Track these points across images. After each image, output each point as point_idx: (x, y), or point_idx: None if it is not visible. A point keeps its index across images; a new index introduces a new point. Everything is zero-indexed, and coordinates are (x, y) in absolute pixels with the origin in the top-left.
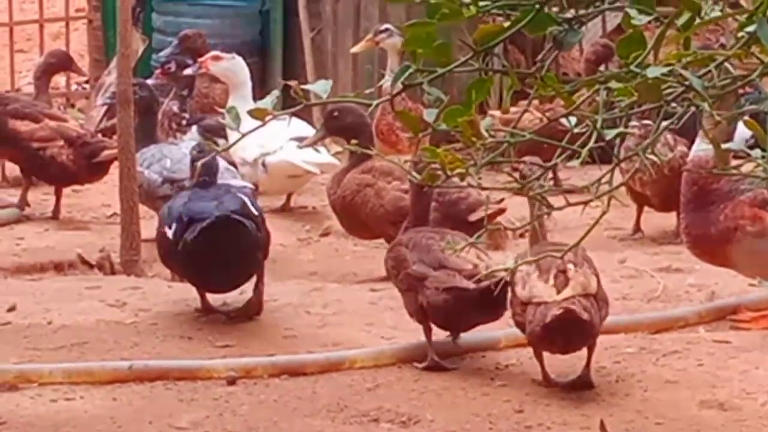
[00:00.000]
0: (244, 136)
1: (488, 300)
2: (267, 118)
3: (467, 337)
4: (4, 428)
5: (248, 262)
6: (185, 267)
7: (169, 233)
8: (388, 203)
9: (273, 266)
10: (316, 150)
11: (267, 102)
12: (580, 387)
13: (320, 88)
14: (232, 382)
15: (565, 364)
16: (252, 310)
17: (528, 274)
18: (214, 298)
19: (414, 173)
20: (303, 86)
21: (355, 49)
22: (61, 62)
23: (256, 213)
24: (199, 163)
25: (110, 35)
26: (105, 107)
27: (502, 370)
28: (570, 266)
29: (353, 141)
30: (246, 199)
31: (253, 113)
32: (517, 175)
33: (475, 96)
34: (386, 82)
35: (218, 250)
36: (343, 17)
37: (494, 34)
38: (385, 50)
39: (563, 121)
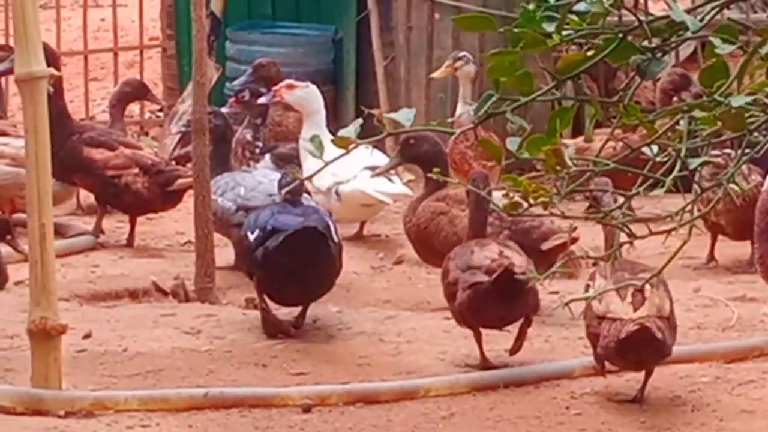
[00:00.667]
0: (327, 164)
1: (504, 292)
2: (350, 146)
3: (541, 366)
4: None
5: (324, 279)
6: (263, 275)
7: (251, 237)
8: (461, 231)
9: (347, 294)
10: (389, 179)
11: (350, 130)
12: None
13: (403, 116)
14: (307, 409)
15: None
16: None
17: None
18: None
19: (496, 203)
20: (386, 114)
21: (435, 75)
22: (137, 91)
23: (335, 239)
24: (284, 190)
25: (184, 63)
26: (179, 135)
27: (576, 399)
28: (647, 287)
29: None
30: (330, 222)
31: (337, 141)
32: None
33: (559, 124)
34: (460, 110)
35: (298, 261)
36: (416, 45)
37: (577, 63)
38: (457, 78)
39: (645, 149)
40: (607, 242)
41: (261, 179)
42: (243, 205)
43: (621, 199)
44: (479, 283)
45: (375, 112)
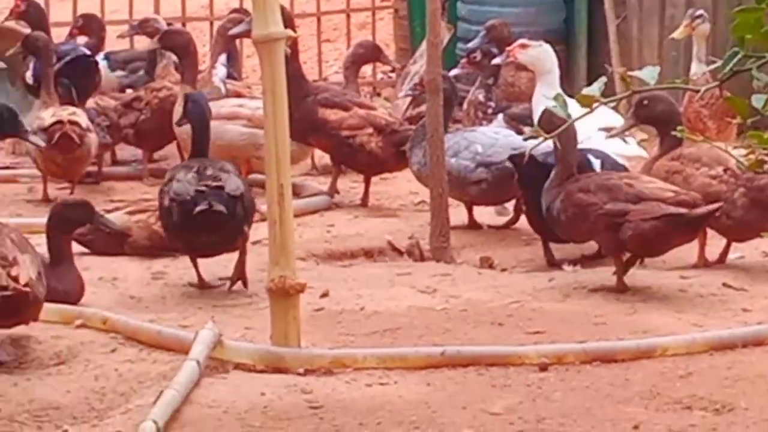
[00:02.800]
0: (571, 122)
1: (695, 224)
2: (594, 105)
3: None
4: (321, 412)
5: None
6: None
7: None
8: (696, 189)
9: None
10: (624, 140)
11: (594, 89)
12: None
13: (648, 74)
14: (544, 368)
15: None
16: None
17: None
18: None
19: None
20: (630, 73)
21: (674, 35)
22: (370, 52)
23: None
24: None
25: (416, 25)
26: (411, 95)
27: None
28: None
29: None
30: None
31: (580, 100)
32: None
33: None
34: (695, 69)
35: None
36: (648, 4)
37: None
38: (689, 37)
39: None
40: None
41: (494, 135)
42: (483, 161)
43: None
44: (676, 215)
45: (620, 70)
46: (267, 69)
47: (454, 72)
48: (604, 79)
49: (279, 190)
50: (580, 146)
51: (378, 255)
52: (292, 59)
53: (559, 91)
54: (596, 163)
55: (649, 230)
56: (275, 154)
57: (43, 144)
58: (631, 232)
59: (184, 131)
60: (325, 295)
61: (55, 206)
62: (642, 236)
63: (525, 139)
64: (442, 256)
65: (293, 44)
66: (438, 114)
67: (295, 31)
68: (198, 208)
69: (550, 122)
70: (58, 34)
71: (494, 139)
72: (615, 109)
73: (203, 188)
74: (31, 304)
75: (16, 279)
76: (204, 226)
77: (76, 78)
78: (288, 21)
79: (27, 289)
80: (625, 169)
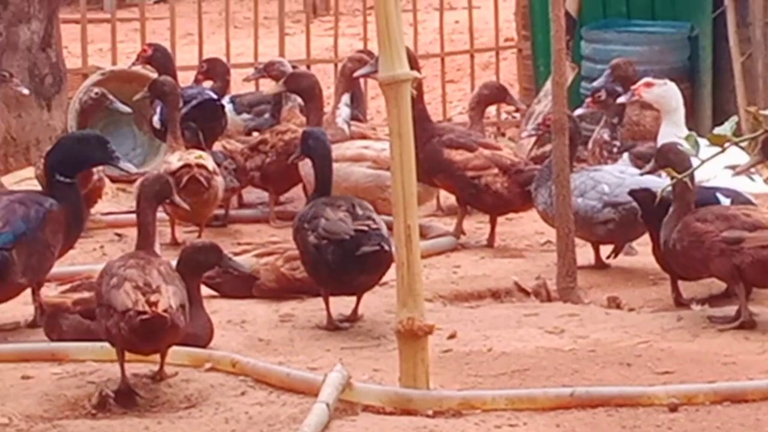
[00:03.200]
0: (703, 162)
1: None
2: (726, 144)
3: None
4: None
5: None
6: None
7: None
8: None
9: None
10: (751, 178)
11: (726, 128)
12: None
13: None
14: (674, 409)
15: None
16: None
17: None
18: None
19: None
20: (762, 112)
21: None
22: (496, 93)
23: None
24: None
25: (539, 64)
26: (535, 135)
27: None
28: None
29: None
30: None
31: (712, 139)
32: None
33: None
34: None
35: None
36: None
37: None
38: None
39: None
40: None
41: (620, 175)
42: (611, 201)
43: None
44: None
45: (751, 109)
46: (393, 110)
47: (578, 111)
48: (735, 118)
49: (406, 231)
50: (709, 184)
51: (505, 296)
52: (418, 100)
53: (685, 129)
54: (726, 202)
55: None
56: (402, 196)
57: (134, 170)
58: (749, 258)
59: (311, 173)
60: (452, 336)
61: (184, 250)
62: (760, 263)
63: (641, 175)
64: (569, 296)
65: (418, 85)
66: (564, 154)
67: (420, 72)
68: (366, 249)
69: (666, 159)
70: (185, 78)
71: (621, 178)
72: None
73: (365, 228)
74: (169, 330)
75: (155, 304)
76: (364, 266)
77: (203, 121)
78: (413, 62)
79: (165, 314)
80: None
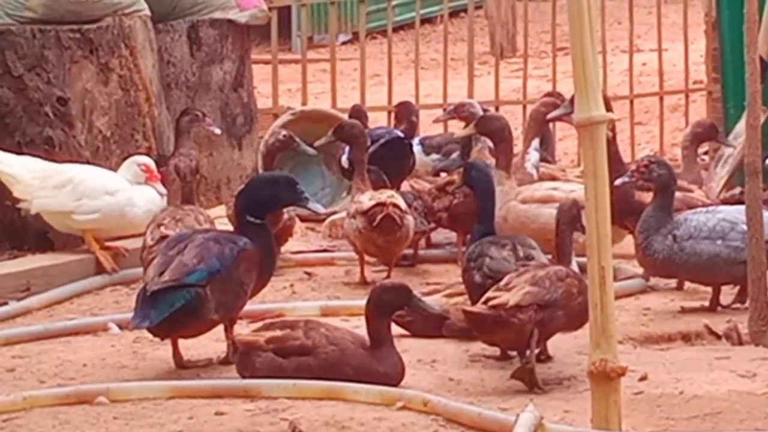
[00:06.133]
0: None
1: None
2: None
3: None
4: None
5: None
6: None
7: None
8: None
9: None
10: None
11: None
12: None
13: None
14: None
15: None
16: None
17: None
18: None
19: None
20: None
21: None
22: (708, 132)
23: None
24: None
25: (730, 107)
26: (725, 178)
27: None
28: None
29: None
30: None
31: None
32: None
33: None
34: None
35: None
36: None
37: None
38: None
39: None
40: None
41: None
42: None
43: None
44: None
45: None
46: (588, 152)
47: None
48: None
49: (600, 273)
50: None
51: (695, 338)
52: (612, 142)
53: None
54: None
55: None
56: (596, 237)
57: (323, 210)
58: None
59: (499, 216)
60: (643, 378)
61: (375, 289)
62: None
63: None
64: (762, 339)
65: (612, 127)
66: (757, 196)
67: (614, 114)
68: None
69: None
70: (373, 119)
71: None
72: None
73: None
74: None
75: None
76: None
77: (390, 160)
78: (607, 104)
79: None
80: None
